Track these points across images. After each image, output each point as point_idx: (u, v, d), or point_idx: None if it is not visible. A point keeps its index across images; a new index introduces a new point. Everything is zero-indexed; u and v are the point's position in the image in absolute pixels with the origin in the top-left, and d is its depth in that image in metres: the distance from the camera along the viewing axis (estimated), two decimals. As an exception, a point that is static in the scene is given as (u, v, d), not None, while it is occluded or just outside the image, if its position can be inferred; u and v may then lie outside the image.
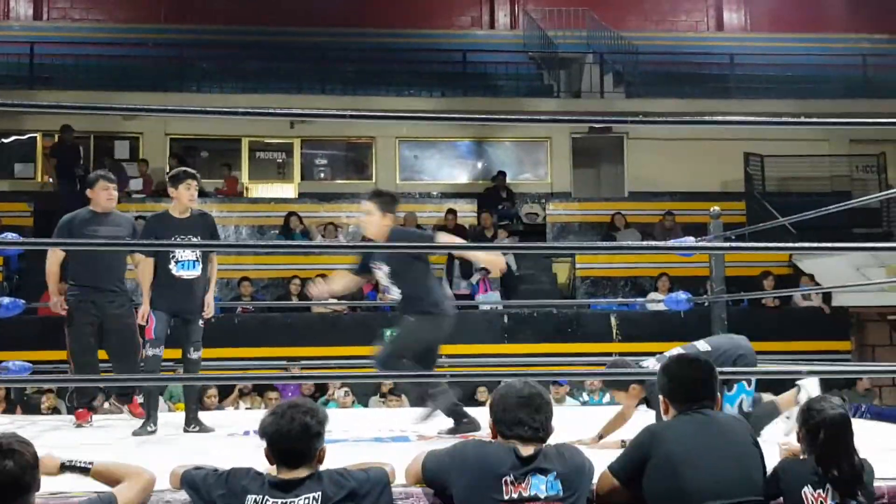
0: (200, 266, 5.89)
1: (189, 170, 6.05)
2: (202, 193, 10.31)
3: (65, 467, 3.30)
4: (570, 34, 18.88)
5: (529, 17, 19.86)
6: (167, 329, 5.83)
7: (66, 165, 15.07)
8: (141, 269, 5.93)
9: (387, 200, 5.60)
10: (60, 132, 15.39)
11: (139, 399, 6.33)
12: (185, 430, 5.87)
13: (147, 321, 5.80)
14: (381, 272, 5.60)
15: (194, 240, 5.86)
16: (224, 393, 10.18)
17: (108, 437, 5.67)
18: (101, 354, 6.29)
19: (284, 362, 10.85)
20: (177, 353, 6.04)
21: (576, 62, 18.66)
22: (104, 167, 13.81)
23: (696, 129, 15.83)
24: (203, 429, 5.89)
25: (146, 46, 17.71)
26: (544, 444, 3.27)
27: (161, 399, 10.62)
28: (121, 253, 6.28)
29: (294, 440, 3.12)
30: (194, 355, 5.90)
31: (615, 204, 15.97)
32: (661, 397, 3.53)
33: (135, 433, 5.68)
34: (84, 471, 3.35)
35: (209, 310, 6.00)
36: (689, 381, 3.48)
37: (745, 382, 5.01)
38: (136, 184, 15.69)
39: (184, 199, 5.90)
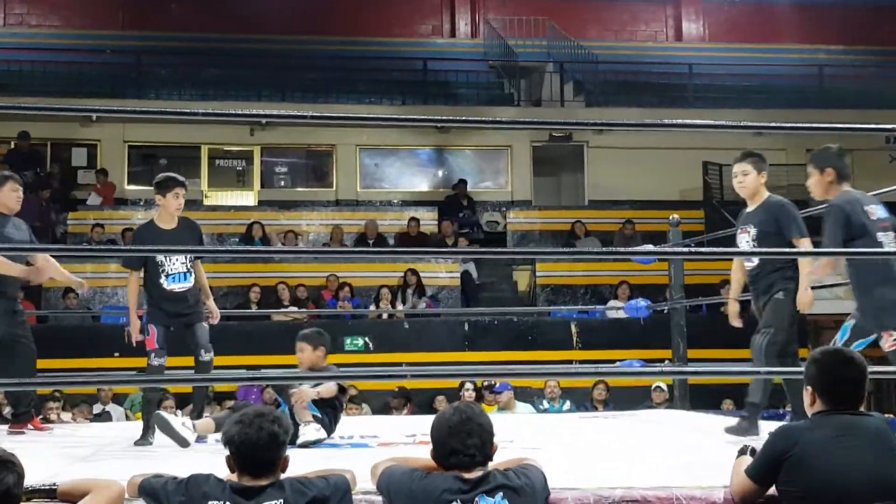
0: (192, 277, 5.76)
1: (177, 177, 5.84)
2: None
3: (31, 493, 3.11)
4: (531, 43, 18.95)
5: (490, 26, 19.90)
6: (167, 337, 5.69)
7: (20, 172, 14.78)
8: (129, 285, 5.82)
9: (760, 160, 5.48)
10: (17, 138, 15.17)
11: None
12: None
13: (148, 332, 5.65)
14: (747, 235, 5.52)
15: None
16: (184, 402, 10.05)
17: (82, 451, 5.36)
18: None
19: (244, 371, 10.72)
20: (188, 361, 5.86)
21: (536, 71, 18.72)
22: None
23: (655, 138, 15.98)
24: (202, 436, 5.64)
25: (104, 53, 17.57)
26: (489, 466, 3.21)
27: (121, 408, 10.45)
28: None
29: (262, 449, 3.11)
30: (206, 357, 5.75)
31: (575, 212, 16.05)
32: (807, 388, 3.38)
33: (137, 443, 5.49)
34: (50, 493, 3.24)
35: (215, 317, 5.94)
36: (840, 380, 3.31)
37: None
38: (93, 199, 15.58)
39: (171, 208, 5.72)
